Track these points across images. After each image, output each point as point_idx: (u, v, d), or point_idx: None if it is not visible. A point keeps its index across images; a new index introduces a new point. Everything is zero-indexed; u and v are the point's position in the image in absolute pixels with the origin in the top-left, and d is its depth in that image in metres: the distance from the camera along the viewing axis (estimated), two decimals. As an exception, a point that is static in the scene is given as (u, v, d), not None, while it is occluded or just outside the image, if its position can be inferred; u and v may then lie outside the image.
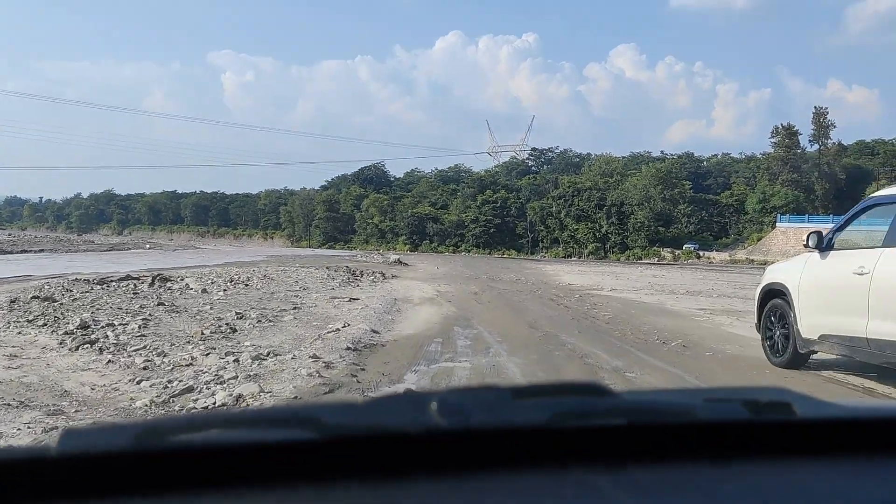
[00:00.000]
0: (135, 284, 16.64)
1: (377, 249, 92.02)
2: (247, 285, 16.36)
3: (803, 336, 7.66)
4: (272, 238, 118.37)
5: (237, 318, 10.96)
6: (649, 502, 0.96)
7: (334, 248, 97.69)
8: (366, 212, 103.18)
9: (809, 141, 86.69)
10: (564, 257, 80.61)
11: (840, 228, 8.06)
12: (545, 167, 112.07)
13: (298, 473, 0.96)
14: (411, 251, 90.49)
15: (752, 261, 73.30)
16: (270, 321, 10.81)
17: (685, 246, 77.82)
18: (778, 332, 8.19)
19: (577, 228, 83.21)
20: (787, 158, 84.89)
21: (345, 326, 9.97)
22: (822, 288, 7.67)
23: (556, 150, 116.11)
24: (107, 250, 51.62)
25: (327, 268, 24.51)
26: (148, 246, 56.34)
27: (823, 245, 7.78)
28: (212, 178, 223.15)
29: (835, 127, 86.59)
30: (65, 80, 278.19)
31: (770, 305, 8.43)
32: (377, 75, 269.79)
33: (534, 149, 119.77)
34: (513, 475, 0.99)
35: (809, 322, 7.60)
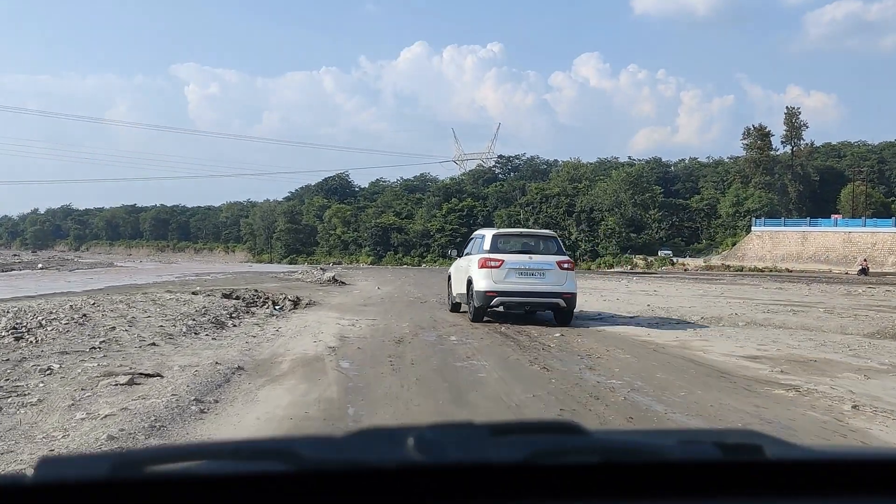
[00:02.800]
0: None
1: (339, 262, 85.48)
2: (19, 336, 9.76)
3: (453, 297, 15.66)
4: (233, 252, 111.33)
5: None
6: None
7: (296, 261, 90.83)
8: (328, 223, 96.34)
9: (781, 142, 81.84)
10: (533, 266, 74.56)
11: (463, 248, 16.03)
12: (512, 174, 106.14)
13: None
14: (374, 263, 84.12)
15: (728, 267, 67.79)
16: None
17: (661, 252, 72.05)
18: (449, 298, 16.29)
19: (546, 236, 77.12)
20: (759, 160, 79.76)
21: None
22: (455, 274, 15.63)
23: (523, 157, 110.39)
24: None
25: (224, 295, 17.91)
26: (40, 265, 48.65)
27: (459, 255, 16.04)
28: (174, 192, 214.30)
29: (807, 127, 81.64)
30: (25, 92, 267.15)
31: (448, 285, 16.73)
32: (342, 86, 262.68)
33: (500, 156, 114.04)
34: None
35: (453, 291, 15.65)
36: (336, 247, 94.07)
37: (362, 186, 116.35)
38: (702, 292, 23.76)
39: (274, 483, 0.97)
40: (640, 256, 72.40)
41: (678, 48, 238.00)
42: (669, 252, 72.20)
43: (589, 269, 70.60)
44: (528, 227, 78.56)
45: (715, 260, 71.42)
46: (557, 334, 11.70)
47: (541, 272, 13.48)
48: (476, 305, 13.45)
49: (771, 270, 62.74)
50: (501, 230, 16.10)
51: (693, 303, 18.96)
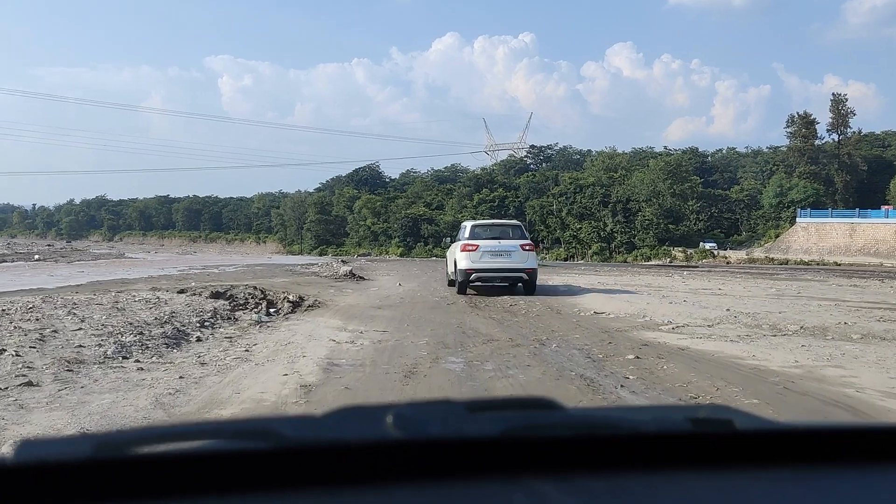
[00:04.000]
0: None
1: (368, 253, 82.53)
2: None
3: (448, 275, 18.59)
4: (264, 242, 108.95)
5: None
6: None
7: (326, 252, 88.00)
8: (358, 214, 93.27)
9: (827, 131, 76.93)
10: (566, 259, 70.76)
11: (458, 235, 18.21)
12: (544, 165, 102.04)
13: (257, 485, 0.95)
14: (404, 255, 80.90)
15: (773, 260, 63.44)
16: None
17: (701, 244, 67.88)
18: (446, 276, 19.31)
19: (581, 227, 73.15)
20: (804, 149, 75.02)
21: None
22: (449, 257, 18.80)
23: (556, 148, 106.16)
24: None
25: (214, 294, 14.74)
26: (36, 257, 45.58)
27: (454, 240, 18.11)
28: (207, 183, 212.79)
29: (854, 115, 76.51)
30: (62, 85, 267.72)
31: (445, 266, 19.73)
32: (374, 78, 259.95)
33: (532, 146, 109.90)
34: (466, 484, 1.00)
35: (448, 270, 18.54)
36: (366, 238, 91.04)
37: (393, 177, 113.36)
38: (775, 291, 20.06)
39: (255, 461, 0.97)
40: (679, 249, 68.37)
41: (713, 37, 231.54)
42: (714, 244, 68.02)
43: (625, 261, 66.66)
44: (561, 219, 74.93)
45: (757, 252, 67.07)
46: (630, 355, 8.32)
47: (508, 253, 16.66)
48: (459, 280, 16.76)
49: (818, 264, 58.41)
50: (478, 221, 19.67)
51: (775, 306, 15.36)
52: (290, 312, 12.72)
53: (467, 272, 16.42)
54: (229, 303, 13.20)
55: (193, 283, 18.05)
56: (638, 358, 8.36)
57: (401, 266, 36.55)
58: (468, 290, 17.03)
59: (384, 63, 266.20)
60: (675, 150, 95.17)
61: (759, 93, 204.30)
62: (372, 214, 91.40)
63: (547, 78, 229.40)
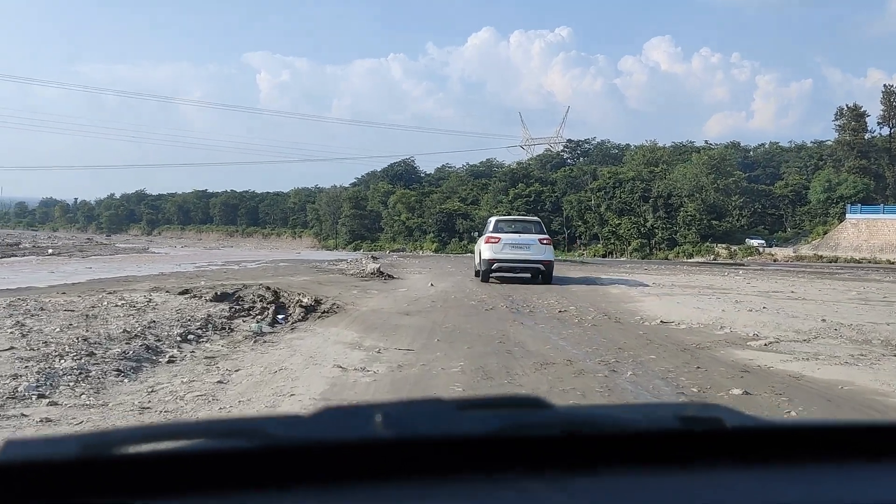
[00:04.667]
0: None
1: (402, 248, 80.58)
2: None
3: (476, 267, 19.39)
4: (300, 237, 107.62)
5: None
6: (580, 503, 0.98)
7: (360, 247, 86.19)
8: (393, 208, 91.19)
9: (878, 124, 72.99)
10: (604, 255, 67.95)
11: (483, 229, 20.03)
12: (581, 159, 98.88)
13: (244, 484, 0.94)
14: (438, 250, 78.68)
15: (821, 257, 59.92)
16: None
17: (748, 241, 64.71)
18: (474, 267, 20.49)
19: (620, 223, 70.18)
20: (854, 143, 71.19)
21: None
22: (476, 249, 19.91)
23: (593, 142, 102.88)
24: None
25: (218, 296, 12.67)
26: (50, 251, 43.18)
27: (481, 234, 19.50)
28: (244, 178, 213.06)
29: (908, 106, 72.31)
30: (104, 81, 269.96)
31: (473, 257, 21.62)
32: (410, 73, 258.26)
33: (569, 140, 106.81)
34: (455, 483, 0.99)
35: (475, 261, 19.65)
36: (400, 233, 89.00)
37: (428, 172, 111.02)
38: (856, 295, 17.47)
39: (242, 460, 0.96)
40: (723, 245, 65.23)
41: (753, 31, 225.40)
42: (763, 241, 64.80)
43: (666, 258, 63.68)
44: (599, 214, 71.87)
45: (805, 250, 63.63)
46: (744, 406, 6.04)
47: (527, 246, 17.91)
48: (482, 269, 18.27)
49: (869, 261, 55.03)
50: (502, 217, 21.68)
51: (872, 314, 12.87)
52: (300, 319, 10.61)
53: (490, 262, 18.03)
54: (230, 307, 11.10)
55: (203, 282, 16.06)
56: (748, 394, 6.10)
57: (434, 263, 34.10)
58: (502, 292, 15.02)
59: (420, 58, 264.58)
60: (717, 145, 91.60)
61: (801, 87, 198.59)
62: (406, 209, 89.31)
63: (584, 72, 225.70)
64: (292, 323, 10.27)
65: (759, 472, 1.09)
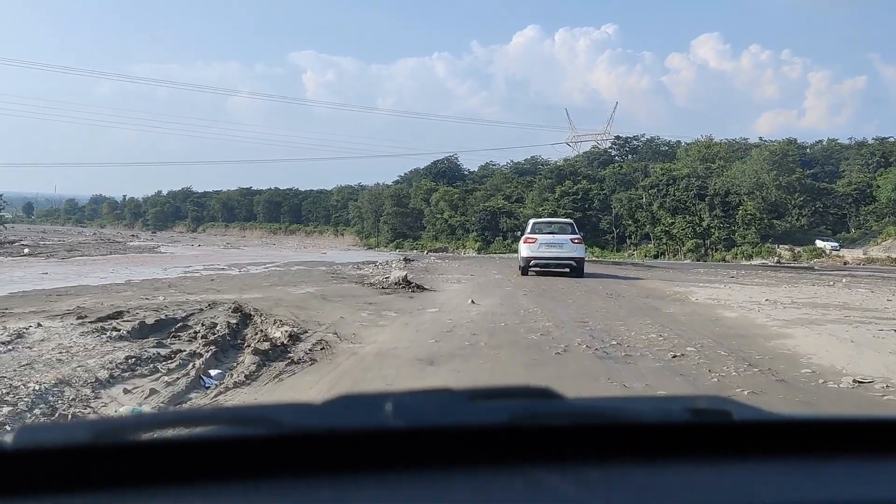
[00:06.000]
0: None
1: (444, 248, 76.60)
2: None
3: (519, 263, 21.72)
4: (342, 235, 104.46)
5: None
6: (592, 494, 0.97)
7: (402, 245, 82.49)
8: (435, 206, 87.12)
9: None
10: (655, 256, 62.99)
11: (524, 229, 22.86)
12: (630, 157, 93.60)
13: (256, 471, 0.93)
14: (481, 250, 74.42)
15: (895, 259, 54.64)
16: None
17: (818, 242, 59.17)
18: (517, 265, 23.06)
19: (674, 222, 65.03)
20: (928, 138, 65.03)
21: None
22: (520, 247, 22.37)
23: (643, 139, 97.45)
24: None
25: (151, 326, 8.75)
26: (26, 251, 38.65)
27: (521, 235, 23.20)
28: (289, 176, 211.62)
29: None
30: (155, 79, 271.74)
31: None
32: (454, 71, 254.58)
33: (617, 137, 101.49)
34: (466, 473, 0.98)
35: (518, 258, 23.10)
36: (443, 231, 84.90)
37: (471, 170, 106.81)
38: None
39: (253, 448, 0.95)
40: (786, 246, 59.77)
41: (804, 27, 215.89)
42: (836, 243, 59.18)
43: (724, 259, 58.55)
44: (652, 213, 66.84)
45: (875, 251, 58.02)
46: None
47: (560, 245, 20.70)
48: (521, 266, 21.47)
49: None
50: (539, 219, 25.29)
51: None
52: (247, 377, 6.53)
53: (527, 259, 20.89)
54: (145, 351, 7.09)
55: (161, 298, 12.17)
56: None
57: (477, 266, 29.11)
58: (572, 314, 10.77)
59: (464, 57, 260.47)
60: (774, 142, 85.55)
61: (854, 84, 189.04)
62: (449, 207, 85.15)
63: (630, 70, 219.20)
64: (228, 385, 6.22)
65: (769, 466, 1.08)
